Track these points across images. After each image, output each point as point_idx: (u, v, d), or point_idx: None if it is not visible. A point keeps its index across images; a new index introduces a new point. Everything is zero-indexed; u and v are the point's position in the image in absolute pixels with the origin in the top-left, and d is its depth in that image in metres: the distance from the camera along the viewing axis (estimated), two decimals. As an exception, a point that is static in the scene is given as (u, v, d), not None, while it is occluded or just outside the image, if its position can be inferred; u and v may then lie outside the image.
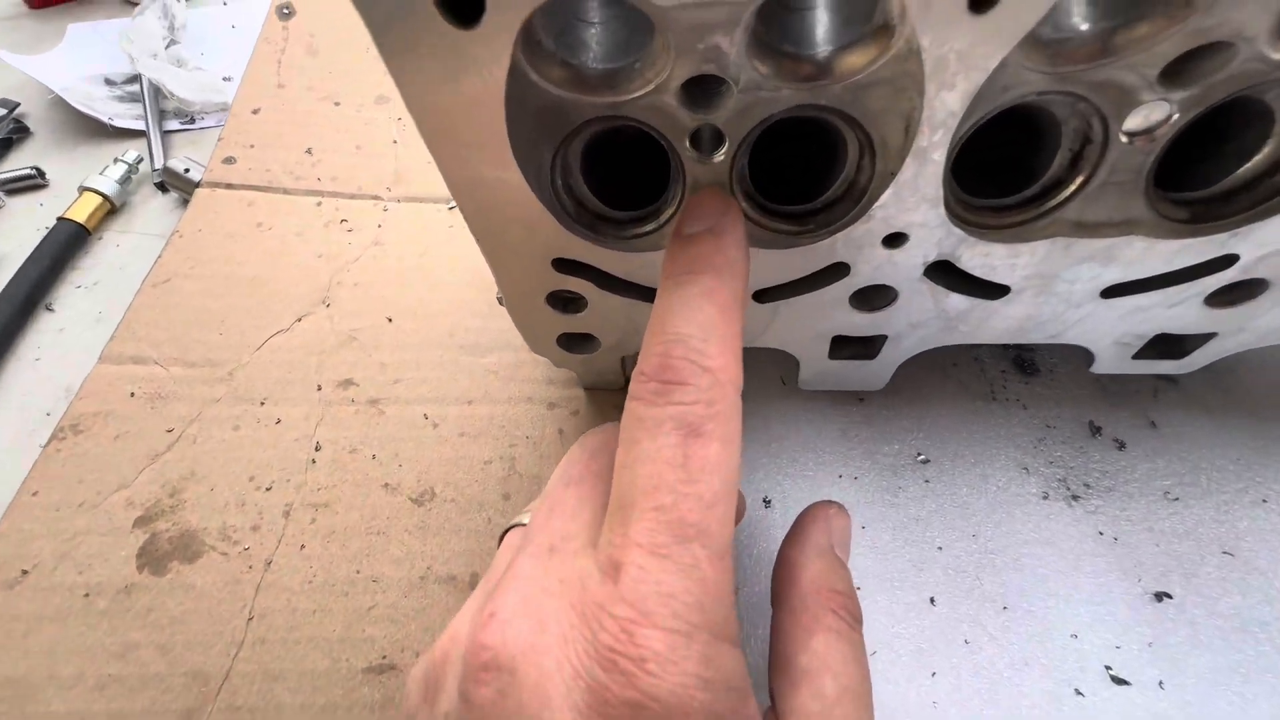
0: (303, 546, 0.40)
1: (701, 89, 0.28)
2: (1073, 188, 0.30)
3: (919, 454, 0.45)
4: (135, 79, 0.77)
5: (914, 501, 0.44)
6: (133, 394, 0.46)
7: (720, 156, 0.29)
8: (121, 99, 0.76)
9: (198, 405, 0.46)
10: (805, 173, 0.35)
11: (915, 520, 0.43)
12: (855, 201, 0.31)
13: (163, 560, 0.39)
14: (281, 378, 0.48)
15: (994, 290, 0.35)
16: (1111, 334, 0.38)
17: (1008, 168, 0.36)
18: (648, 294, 0.37)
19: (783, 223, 0.33)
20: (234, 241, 0.55)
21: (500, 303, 0.40)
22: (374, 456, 0.44)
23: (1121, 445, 0.45)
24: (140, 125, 0.72)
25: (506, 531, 0.32)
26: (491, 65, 0.24)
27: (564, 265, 0.35)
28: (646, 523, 0.22)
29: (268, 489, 0.43)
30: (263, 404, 0.46)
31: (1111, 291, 0.34)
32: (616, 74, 0.27)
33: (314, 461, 0.44)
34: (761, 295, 0.37)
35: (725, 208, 0.29)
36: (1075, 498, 0.43)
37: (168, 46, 0.79)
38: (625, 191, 0.37)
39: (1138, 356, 0.40)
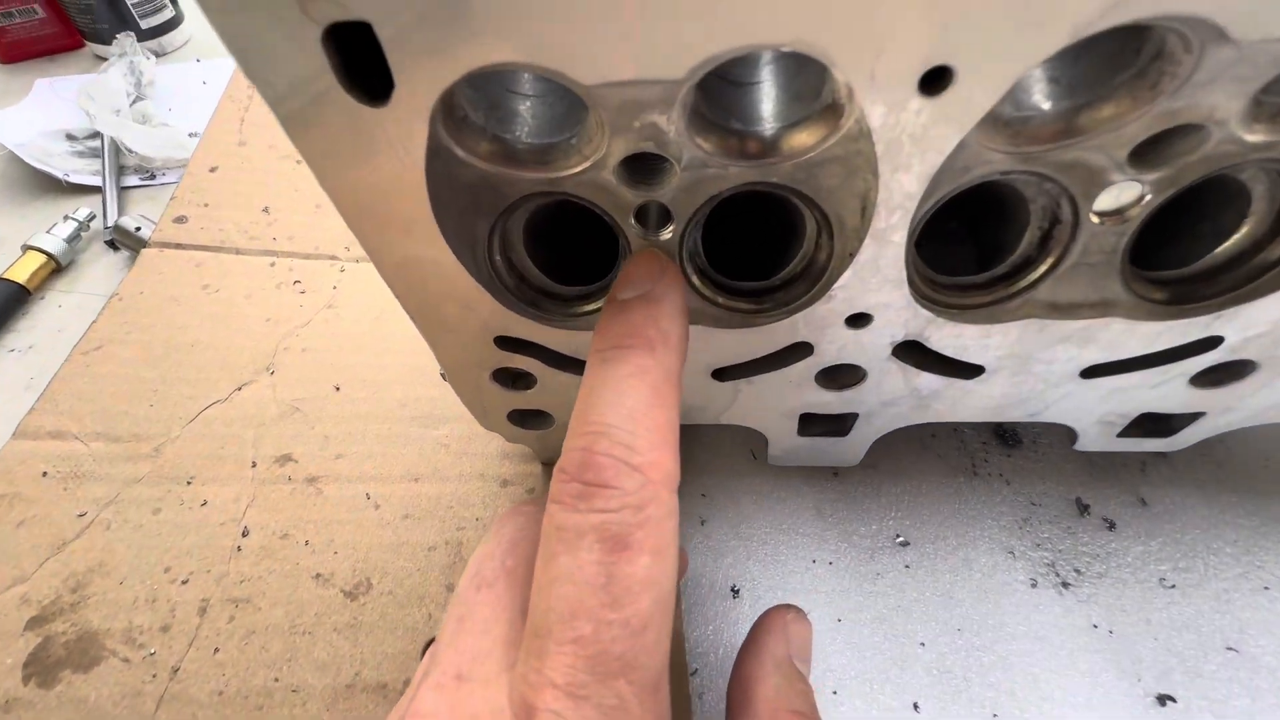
0: (216, 650, 0.36)
1: (642, 166, 0.26)
2: (1044, 268, 0.28)
3: (898, 535, 0.42)
4: (97, 134, 0.75)
5: (894, 589, 0.40)
6: (45, 474, 0.42)
7: (667, 234, 0.27)
8: (81, 154, 0.75)
9: (117, 486, 0.42)
10: (763, 248, 0.33)
11: (896, 610, 0.39)
12: (814, 281, 0.29)
13: (53, 669, 0.35)
14: (213, 453, 0.44)
15: (968, 370, 0.33)
16: (1094, 413, 0.36)
17: (975, 241, 0.34)
18: (600, 372, 0.34)
19: (740, 300, 0.31)
20: (177, 305, 0.52)
21: (444, 378, 0.37)
22: (307, 542, 0.41)
23: (1111, 525, 0.42)
24: (97, 181, 0.70)
25: (430, 643, 0.28)
26: (407, 143, 0.22)
27: (507, 343, 0.32)
28: (564, 658, 0.19)
29: (184, 581, 0.39)
30: (189, 483, 0.43)
31: (1091, 372, 0.32)
32: (551, 150, 0.25)
33: (239, 549, 0.40)
34: (721, 374, 0.34)
35: (661, 271, 0.26)
36: (1065, 585, 0.40)
37: (134, 102, 0.78)
38: (573, 265, 0.35)
39: (1123, 435, 0.38)
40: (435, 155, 0.23)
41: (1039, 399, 0.34)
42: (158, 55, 0.88)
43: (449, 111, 0.23)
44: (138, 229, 0.62)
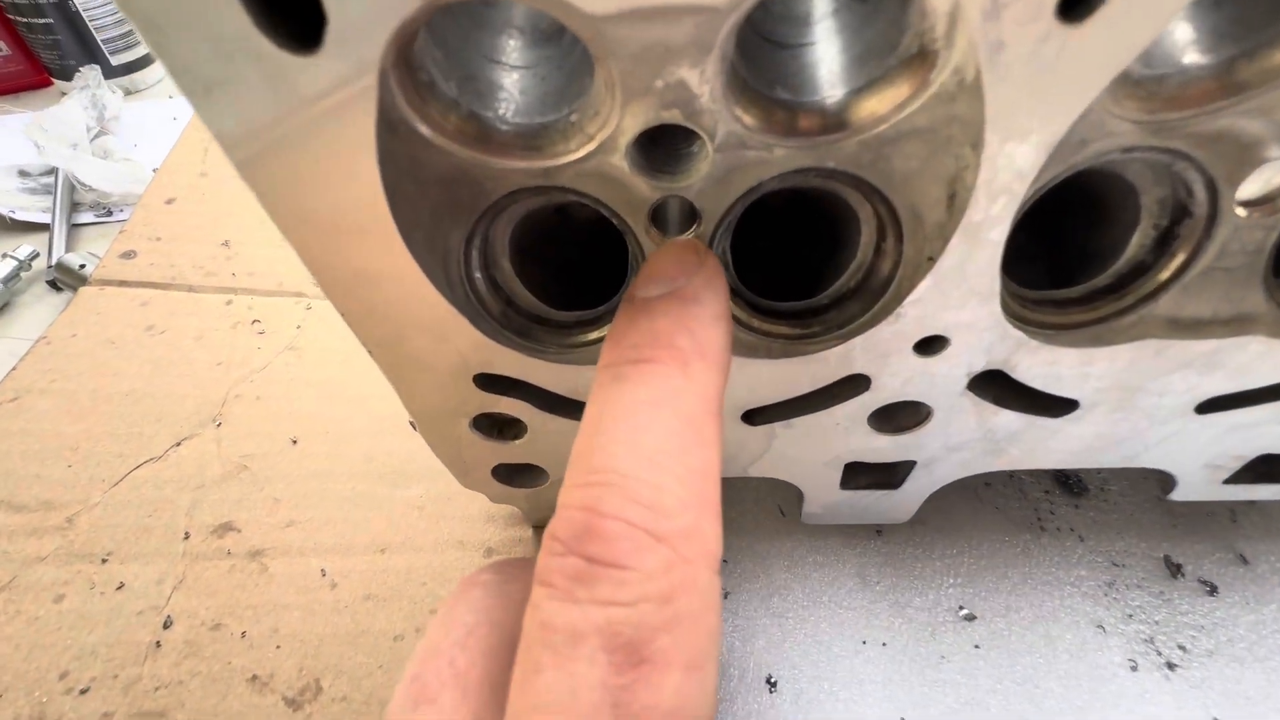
0: (116, 786, 0.28)
1: (663, 148, 0.20)
2: (1166, 275, 0.22)
3: (961, 607, 0.35)
4: (53, 171, 0.70)
5: (964, 677, 0.33)
6: (-73, 553, 0.35)
7: (691, 238, 0.21)
8: (33, 191, 0.69)
9: (14, 567, 0.35)
10: (808, 257, 0.27)
11: (969, 705, 0.32)
12: (876, 296, 0.23)
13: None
14: (139, 523, 0.37)
15: (1058, 406, 0.27)
16: (1202, 456, 0.30)
17: (1048, 253, 0.29)
18: (605, 416, 0.28)
19: (780, 324, 0.25)
20: (113, 348, 0.45)
21: (415, 428, 0.30)
22: (243, 634, 0.33)
23: (1212, 589, 0.36)
24: (46, 218, 0.64)
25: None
26: (350, 110, 0.16)
27: (491, 382, 0.26)
28: None
29: (83, 691, 0.31)
30: (104, 561, 0.35)
31: (1210, 406, 0.26)
32: (545, 131, 0.20)
33: (158, 645, 0.32)
34: (753, 416, 0.28)
35: (699, 261, 0.20)
36: (1171, 666, 0.33)
37: (95, 137, 0.73)
38: (572, 285, 0.29)
39: (1230, 481, 0.32)
40: (391, 130, 0.18)
41: (1139, 440, 0.28)
42: (129, 92, 0.84)
43: (407, 70, 0.17)
44: (82, 266, 0.56)
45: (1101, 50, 0.15)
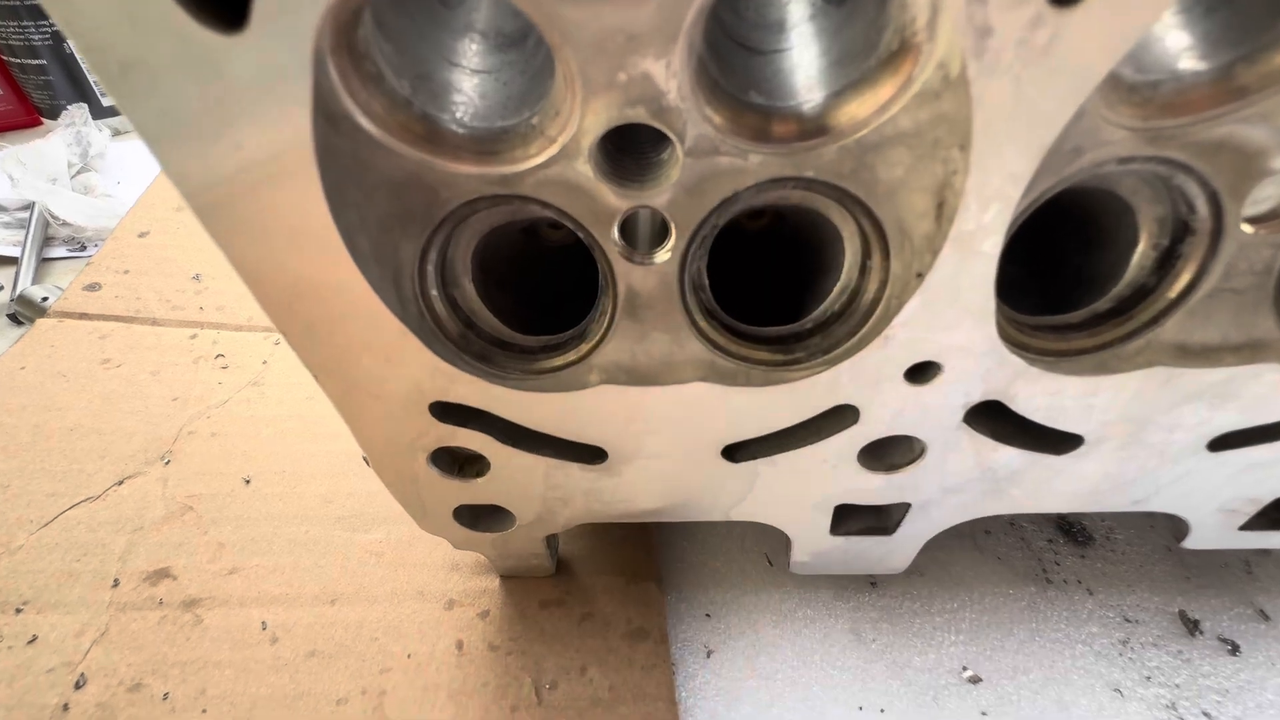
0: None
1: (631, 155, 0.19)
2: (1170, 297, 0.21)
3: (964, 668, 0.32)
4: (29, 205, 0.69)
5: (971, 748, 0.30)
6: None
7: (664, 254, 0.20)
8: (7, 225, 0.68)
9: (-83, 619, 0.31)
10: (791, 281, 0.26)
11: (978, 781, 0.29)
12: (864, 319, 0.21)
13: None
14: (64, 568, 0.34)
15: (1062, 442, 0.25)
16: (1216, 499, 0.28)
17: (1038, 278, 0.28)
18: (573, 451, 0.26)
19: (760, 349, 0.23)
20: (63, 382, 0.43)
21: (368, 464, 0.28)
22: (165, 696, 0.29)
23: (1234, 648, 0.33)
24: (16, 252, 0.63)
25: None
26: (281, 95, 0.15)
27: (448, 411, 0.24)
28: None
29: (-25, 766, 0.27)
30: (19, 611, 0.32)
31: (1224, 442, 0.24)
32: (504, 136, 0.18)
33: (66, 708, 0.29)
34: (734, 452, 0.26)
35: None
36: (1197, 736, 0.30)
37: (77, 173, 0.72)
38: (537, 305, 0.27)
39: (1246, 528, 0.30)
40: (332, 124, 0.16)
41: (1149, 480, 0.26)
42: (117, 131, 0.84)
43: (350, 57, 0.16)
44: (45, 299, 0.54)
45: (1097, 36, 0.13)
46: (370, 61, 0.16)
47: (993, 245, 0.18)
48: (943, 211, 0.17)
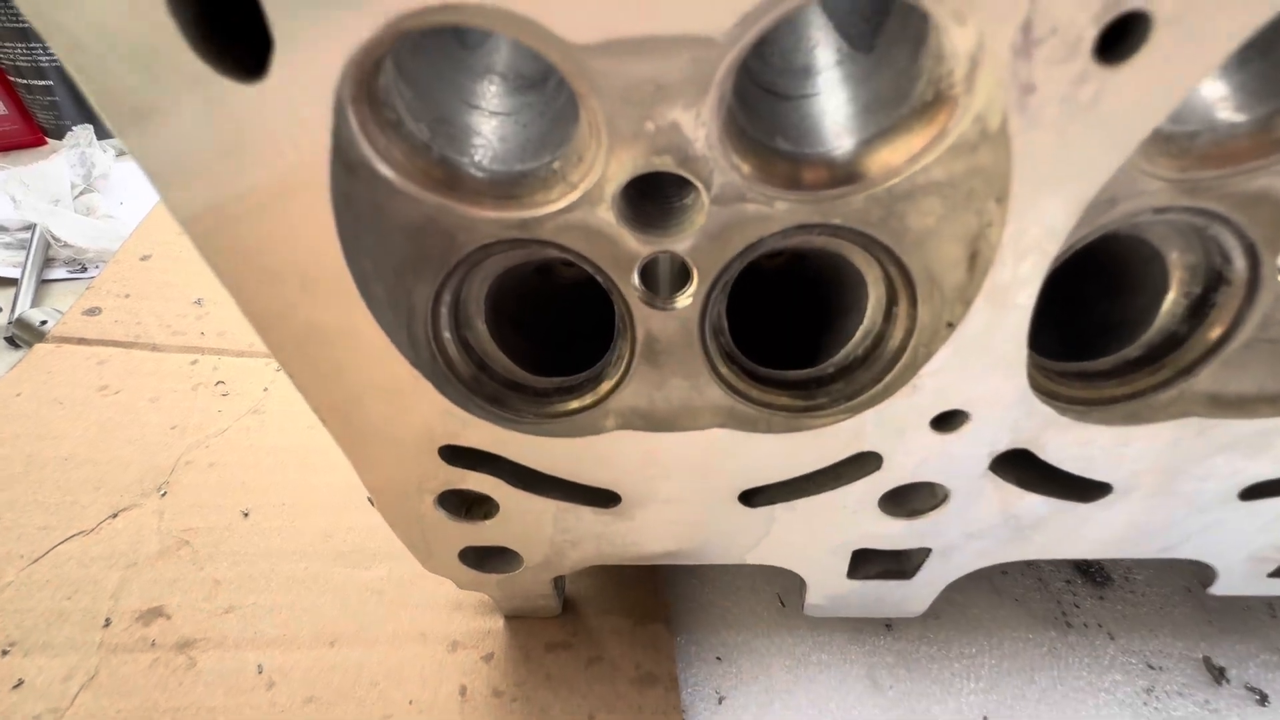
0: None
1: (654, 200, 0.19)
2: (1203, 347, 0.20)
3: (985, 718, 0.31)
4: (31, 226, 0.68)
5: (995, 805, 0.29)
6: None
7: (685, 299, 0.19)
8: (8, 246, 0.67)
9: (-100, 662, 0.30)
10: (811, 321, 0.25)
11: (1003, 841, 0.28)
12: (889, 366, 0.21)
13: None
14: (54, 607, 0.33)
15: (1090, 490, 0.24)
16: (1246, 547, 0.27)
17: (1059, 323, 0.27)
18: (585, 495, 0.25)
19: (782, 394, 0.22)
20: (59, 409, 0.42)
21: (373, 504, 0.27)
22: (158, 748, 0.28)
23: (1262, 698, 0.32)
24: (16, 274, 0.62)
25: None
26: (302, 146, 0.14)
27: (458, 455, 0.23)
28: None
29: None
30: (6, 653, 0.31)
31: (1256, 492, 0.24)
32: (524, 180, 0.18)
33: (54, 762, 0.28)
34: (751, 497, 0.25)
35: None
36: (1229, 793, 0.29)
37: (80, 194, 0.72)
38: (553, 350, 0.26)
39: (1276, 575, 0.29)
40: (350, 172, 0.16)
41: (1178, 529, 0.26)
42: (122, 152, 0.84)
43: (371, 106, 0.15)
44: (43, 323, 0.53)
45: (1144, 93, 0.13)
46: (390, 108, 0.16)
47: (1027, 297, 0.17)
48: (976, 263, 0.17)
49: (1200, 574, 0.30)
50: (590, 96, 0.14)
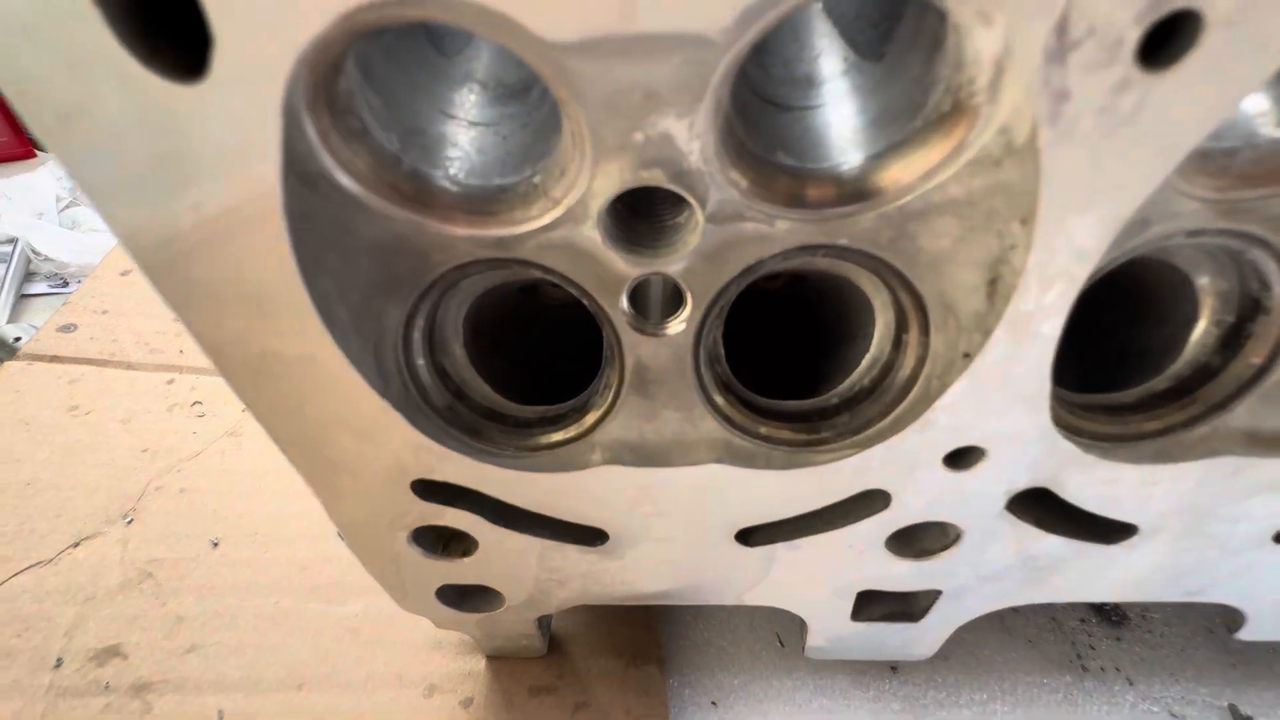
0: None
1: (644, 218, 0.17)
2: (1238, 380, 0.19)
3: (1000, 771, 0.29)
4: (12, 240, 0.67)
5: None
6: None
7: (678, 325, 0.18)
8: (-11, 260, 0.66)
9: None
10: (807, 340, 0.24)
11: None
12: (898, 398, 0.19)
13: None
14: (3, 645, 0.31)
15: (1113, 531, 0.22)
16: (1279, 591, 0.25)
17: (1090, 348, 0.26)
18: (571, 533, 0.23)
19: (783, 427, 0.21)
20: (23, 431, 0.40)
21: (341, 538, 0.25)
22: (105, 806, 0.26)
23: (1294, 749, 0.30)
24: (-6, 288, 0.61)
25: None
26: (248, 154, 0.13)
27: (433, 490, 0.22)
28: None
29: None
30: (-53, 701, 0.29)
31: (1292, 534, 0.22)
32: (502, 194, 0.16)
33: (-10, 822, 0.25)
34: (749, 536, 0.23)
35: None
36: None
37: (65, 208, 0.71)
38: (536, 376, 0.25)
39: (1308, 619, 0.27)
40: (307, 185, 0.14)
41: (1206, 572, 0.24)
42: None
43: (330, 112, 0.14)
44: (17, 339, 0.51)
45: (1190, 103, 0.12)
46: (354, 116, 0.15)
47: (1053, 328, 0.16)
48: (996, 289, 0.15)
49: (1225, 616, 0.28)
50: (571, 103, 0.13)
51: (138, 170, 0.13)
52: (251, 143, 0.13)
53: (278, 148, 0.13)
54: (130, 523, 0.36)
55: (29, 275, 0.63)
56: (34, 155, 0.88)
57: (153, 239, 0.14)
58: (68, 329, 0.49)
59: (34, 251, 0.60)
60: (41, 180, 0.67)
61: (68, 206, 0.71)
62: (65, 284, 0.64)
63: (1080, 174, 0.13)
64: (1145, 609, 0.36)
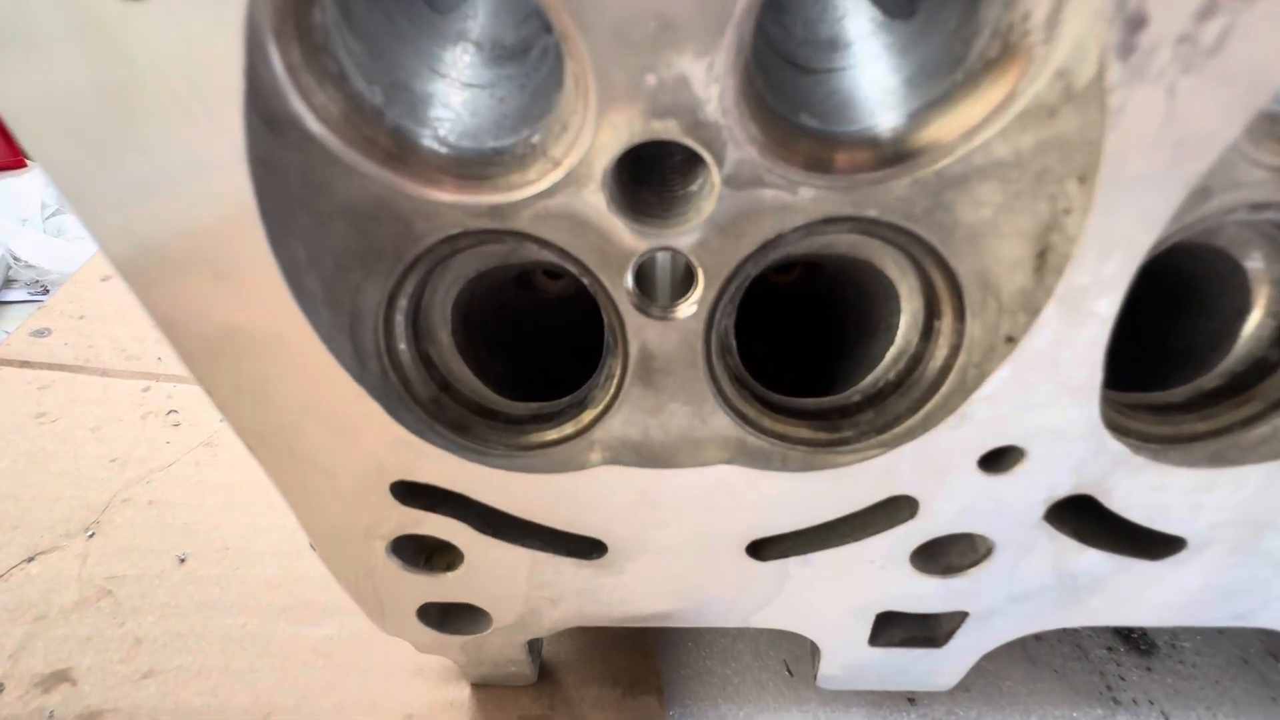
0: None
1: (652, 188, 0.16)
2: (1301, 375, 0.17)
3: (1031, 815, 0.27)
4: (-5, 246, 0.65)
5: None
6: None
7: (689, 307, 0.16)
8: (-33, 266, 0.64)
9: None
10: (822, 337, 0.22)
11: None
12: (928, 391, 0.17)
13: None
14: (-59, 672, 0.28)
15: (1160, 545, 0.20)
16: (1334, 615, 0.23)
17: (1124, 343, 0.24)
18: (565, 544, 0.21)
19: (800, 425, 0.19)
20: (-14, 439, 0.38)
21: (314, 550, 0.23)
22: None
23: (1347, 792, 0.28)
24: (-29, 294, 0.59)
25: None
26: (205, 87, 0.11)
27: (413, 493, 0.20)
28: None
29: None
30: None
31: (1354, 550, 0.20)
32: (497, 157, 0.15)
33: None
34: (761, 549, 0.21)
35: None
36: None
37: (51, 215, 0.69)
38: (530, 369, 0.23)
39: (1362, 647, 0.25)
40: (274, 129, 0.13)
41: (1259, 592, 0.22)
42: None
43: (303, 46, 0.12)
44: (-11, 345, 0.49)
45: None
46: (331, 58, 0.13)
47: (1110, 305, 0.14)
48: (1045, 262, 0.14)
49: (1268, 642, 0.26)
50: (575, 37, 0.11)
51: (78, 103, 0.11)
52: (208, 71, 0.11)
53: (239, 78, 0.11)
54: (92, 536, 0.34)
55: (8, 282, 0.61)
56: (24, 165, 0.86)
57: (96, 192, 0.13)
58: (41, 334, 0.47)
59: (14, 258, 0.58)
60: (28, 186, 0.66)
61: (54, 214, 0.70)
62: (45, 291, 0.62)
63: (1153, 119, 0.11)
64: (1174, 637, 0.34)
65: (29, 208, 0.65)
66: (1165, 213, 0.13)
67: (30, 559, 0.33)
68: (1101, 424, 0.17)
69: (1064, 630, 0.34)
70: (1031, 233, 0.14)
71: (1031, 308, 0.14)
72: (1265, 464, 0.18)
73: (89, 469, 0.38)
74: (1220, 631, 0.34)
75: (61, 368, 0.45)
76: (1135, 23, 0.10)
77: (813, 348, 0.24)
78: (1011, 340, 0.15)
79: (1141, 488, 0.18)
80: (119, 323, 0.49)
